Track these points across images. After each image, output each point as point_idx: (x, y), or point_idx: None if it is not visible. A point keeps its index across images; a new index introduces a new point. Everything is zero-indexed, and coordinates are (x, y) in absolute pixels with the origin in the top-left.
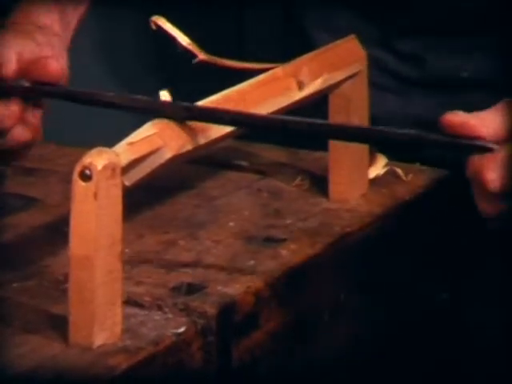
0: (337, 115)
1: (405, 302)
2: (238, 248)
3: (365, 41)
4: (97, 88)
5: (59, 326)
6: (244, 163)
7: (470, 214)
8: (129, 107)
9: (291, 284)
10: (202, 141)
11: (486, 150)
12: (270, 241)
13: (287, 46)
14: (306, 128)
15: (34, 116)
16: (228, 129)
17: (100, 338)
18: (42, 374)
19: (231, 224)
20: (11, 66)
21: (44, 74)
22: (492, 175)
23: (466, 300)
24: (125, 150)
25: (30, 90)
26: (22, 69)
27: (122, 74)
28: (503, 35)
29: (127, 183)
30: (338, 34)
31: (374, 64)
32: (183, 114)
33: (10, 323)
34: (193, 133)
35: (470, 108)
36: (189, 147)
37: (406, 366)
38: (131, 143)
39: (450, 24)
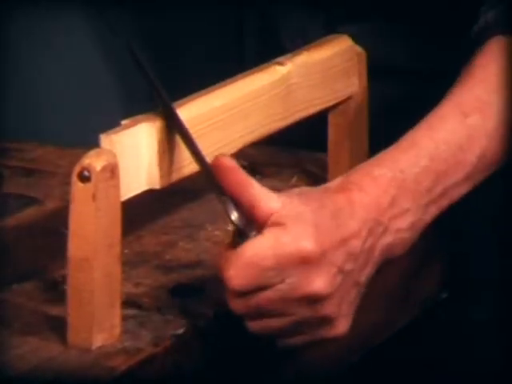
0: (336, 117)
1: (404, 302)
2: None
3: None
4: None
5: (58, 327)
6: (243, 163)
7: (469, 214)
8: None
9: None
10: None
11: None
12: None
13: (242, 30)
14: None
15: None
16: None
17: (99, 340)
18: (40, 376)
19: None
20: None
21: None
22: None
23: (465, 299)
24: None
25: None
26: None
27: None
28: (434, 23)
29: None
30: (284, 18)
31: None
32: None
33: (8, 325)
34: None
35: (402, 96)
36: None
37: (406, 367)
38: None
39: (384, 10)
